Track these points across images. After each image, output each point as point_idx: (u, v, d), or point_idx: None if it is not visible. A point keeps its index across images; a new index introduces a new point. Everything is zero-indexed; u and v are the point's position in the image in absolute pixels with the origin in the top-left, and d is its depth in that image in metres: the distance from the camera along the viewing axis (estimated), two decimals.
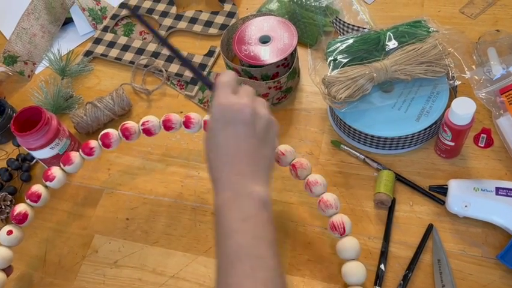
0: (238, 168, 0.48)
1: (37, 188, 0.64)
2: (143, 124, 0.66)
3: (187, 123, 0.66)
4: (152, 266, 0.65)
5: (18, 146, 0.79)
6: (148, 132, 0.66)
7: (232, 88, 0.51)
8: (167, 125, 0.66)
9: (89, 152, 0.66)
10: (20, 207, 0.63)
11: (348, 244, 0.56)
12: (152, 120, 0.66)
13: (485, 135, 0.67)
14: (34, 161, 0.78)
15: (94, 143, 0.66)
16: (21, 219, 0.62)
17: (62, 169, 0.65)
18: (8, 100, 0.85)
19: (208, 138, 0.50)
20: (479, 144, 0.67)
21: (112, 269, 0.66)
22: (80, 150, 0.66)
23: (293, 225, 0.65)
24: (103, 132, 0.67)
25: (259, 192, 0.48)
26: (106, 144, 0.66)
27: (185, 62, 0.54)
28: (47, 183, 0.64)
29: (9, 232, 0.62)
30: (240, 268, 0.43)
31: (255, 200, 0.47)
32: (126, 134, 0.66)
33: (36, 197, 0.63)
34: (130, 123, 0.67)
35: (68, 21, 0.96)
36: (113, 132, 0.66)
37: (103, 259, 0.67)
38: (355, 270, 0.55)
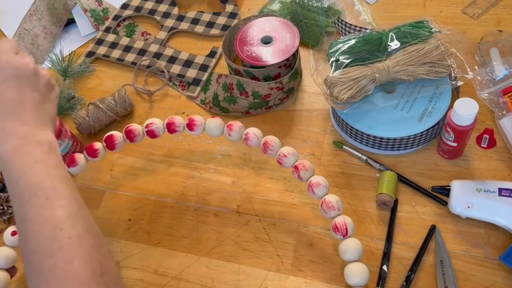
0: (23, 119, 0.51)
1: None
2: (147, 126, 0.66)
3: (190, 126, 0.66)
4: (154, 267, 0.65)
5: None
6: (152, 134, 0.66)
7: (14, 50, 0.54)
8: (171, 128, 0.66)
9: (94, 154, 0.66)
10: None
11: (351, 245, 0.56)
12: (156, 122, 0.66)
13: (487, 136, 0.67)
14: None
15: (98, 145, 0.66)
16: None
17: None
18: None
19: None
20: (482, 145, 0.67)
21: None
22: (85, 152, 0.67)
23: (295, 226, 0.65)
24: (107, 134, 0.67)
25: (46, 139, 0.51)
26: (110, 146, 0.66)
27: None
28: None
29: (13, 233, 0.62)
30: (35, 202, 0.46)
31: (44, 146, 0.50)
32: (130, 136, 0.66)
33: None
34: (134, 126, 0.67)
35: (70, 22, 0.96)
36: (117, 134, 0.67)
37: None
38: (358, 272, 0.55)
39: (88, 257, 0.45)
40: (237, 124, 0.65)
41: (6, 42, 0.54)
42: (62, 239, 0.45)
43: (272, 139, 0.63)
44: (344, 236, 0.57)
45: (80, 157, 0.66)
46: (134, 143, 0.67)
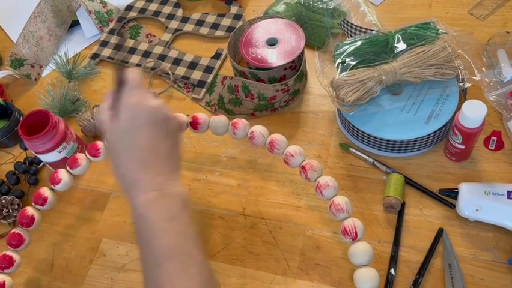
0: (157, 169, 0.48)
1: (43, 191, 0.64)
2: None
3: (194, 124, 0.65)
4: None
5: (26, 149, 0.79)
6: None
7: (142, 88, 0.51)
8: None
9: (96, 153, 0.65)
10: (27, 211, 0.63)
11: (361, 249, 0.55)
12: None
13: (495, 138, 0.66)
14: (41, 164, 0.78)
15: (100, 144, 0.66)
16: (28, 222, 0.62)
17: (69, 172, 0.65)
18: (15, 103, 0.85)
19: (117, 139, 0.49)
20: (490, 147, 0.66)
21: (119, 273, 0.66)
22: (86, 151, 0.66)
23: (302, 229, 0.65)
24: None
25: (180, 192, 0.48)
26: None
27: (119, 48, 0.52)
28: (54, 186, 0.64)
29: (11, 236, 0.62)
30: (170, 267, 0.43)
31: (178, 200, 0.47)
32: None
33: (43, 201, 0.63)
34: None
35: (75, 24, 0.96)
36: None
37: (110, 263, 0.67)
38: (369, 277, 0.54)
39: None
40: (242, 122, 0.64)
41: (134, 75, 0.51)
42: None
43: (278, 137, 0.62)
44: (353, 240, 0.56)
45: (82, 157, 0.65)
46: None
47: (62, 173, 0.64)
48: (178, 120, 0.54)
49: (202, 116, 0.65)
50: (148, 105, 0.49)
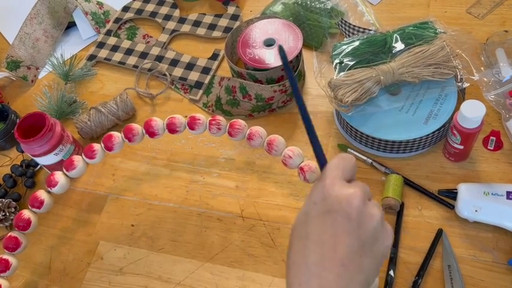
0: (326, 276, 0.38)
1: (40, 194, 0.63)
2: (146, 125, 0.65)
3: (191, 125, 0.64)
4: (158, 273, 0.65)
5: (22, 152, 0.78)
6: (151, 133, 0.65)
7: (344, 173, 0.41)
8: (171, 128, 0.64)
9: (92, 155, 0.65)
10: (23, 214, 0.62)
11: None
12: (156, 120, 0.65)
13: (494, 138, 0.66)
14: (38, 167, 0.78)
15: (96, 146, 0.65)
16: (25, 226, 0.62)
17: (65, 174, 0.64)
18: (11, 105, 0.84)
19: (299, 223, 0.41)
20: (489, 147, 0.66)
21: (117, 276, 0.65)
22: (83, 154, 0.65)
23: None
24: (105, 134, 0.66)
25: None
26: (109, 147, 0.65)
27: (312, 134, 0.45)
28: (50, 189, 0.63)
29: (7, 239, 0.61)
30: None
31: None
32: (129, 136, 0.64)
33: (39, 203, 0.62)
34: (133, 125, 0.65)
35: (71, 25, 0.96)
36: (116, 134, 0.65)
37: (108, 266, 0.66)
38: None
39: None
40: (239, 123, 0.63)
41: (341, 160, 0.42)
42: None
43: (277, 138, 0.61)
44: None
45: (78, 159, 0.65)
46: (133, 143, 0.65)
47: (59, 176, 0.64)
48: (381, 222, 0.40)
49: (201, 116, 0.65)
50: (341, 192, 0.39)
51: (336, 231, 0.38)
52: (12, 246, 0.61)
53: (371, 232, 0.39)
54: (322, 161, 0.44)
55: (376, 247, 0.40)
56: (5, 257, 0.61)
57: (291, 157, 0.60)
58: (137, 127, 0.64)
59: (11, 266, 0.61)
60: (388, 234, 0.41)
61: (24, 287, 0.67)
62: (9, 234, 0.62)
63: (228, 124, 0.63)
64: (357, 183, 0.41)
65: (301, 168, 0.59)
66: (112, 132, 0.65)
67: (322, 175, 0.42)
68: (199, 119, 0.64)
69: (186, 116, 0.64)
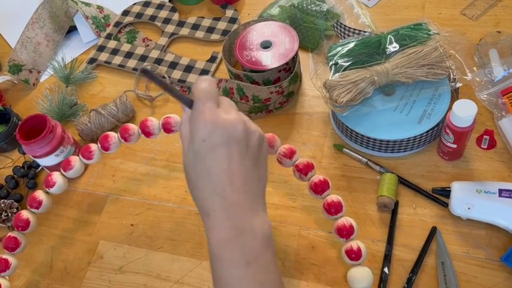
0: (234, 198, 0.42)
1: (38, 194, 0.64)
2: (141, 124, 0.65)
3: None
4: (157, 272, 0.66)
5: (24, 153, 0.80)
6: (147, 133, 0.65)
7: (214, 99, 0.44)
8: (166, 127, 0.65)
9: (89, 155, 0.65)
10: (22, 215, 0.63)
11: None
12: (152, 120, 0.65)
13: (487, 137, 0.67)
14: (40, 168, 0.79)
15: (93, 146, 0.66)
16: (24, 226, 0.63)
17: (63, 174, 0.65)
18: (13, 108, 0.86)
19: (192, 163, 0.43)
20: (482, 146, 0.67)
21: (117, 275, 0.66)
22: (80, 154, 0.66)
23: (296, 229, 0.65)
24: (102, 135, 0.66)
25: (261, 226, 0.42)
26: (105, 147, 0.65)
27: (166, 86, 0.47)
28: (48, 189, 0.64)
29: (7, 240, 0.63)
30: None
31: (258, 237, 0.41)
32: (125, 136, 0.65)
33: (38, 204, 0.63)
34: (129, 125, 0.66)
35: (72, 29, 0.97)
36: (112, 134, 0.66)
37: (108, 265, 0.67)
38: (362, 276, 0.54)
39: None
40: None
41: (204, 84, 0.44)
42: None
43: (271, 136, 0.62)
44: (347, 239, 0.56)
45: (75, 160, 0.66)
46: (129, 143, 0.66)
47: (56, 176, 0.65)
48: (261, 134, 0.45)
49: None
50: (224, 121, 0.42)
51: (232, 158, 0.42)
52: (12, 246, 0.62)
53: (257, 146, 0.44)
54: (186, 100, 0.46)
55: (263, 154, 0.46)
56: (4, 256, 0.62)
57: (286, 155, 0.60)
58: (133, 127, 0.65)
59: (11, 266, 0.61)
60: (264, 136, 0.47)
61: (26, 286, 0.68)
62: (8, 234, 0.63)
63: None
64: (226, 102, 0.45)
65: (297, 166, 0.60)
66: (109, 133, 0.66)
67: (195, 110, 0.44)
68: None
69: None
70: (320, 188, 0.58)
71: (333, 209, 0.57)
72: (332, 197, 0.58)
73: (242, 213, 0.42)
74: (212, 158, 0.42)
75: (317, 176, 0.59)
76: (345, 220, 0.57)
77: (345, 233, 0.56)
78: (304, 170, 0.59)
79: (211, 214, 0.42)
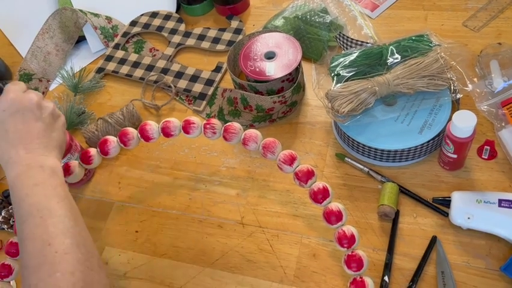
0: (29, 147, 0.55)
1: None
2: (141, 129, 0.66)
3: (186, 128, 0.64)
4: (160, 278, 0.67)
5: None
6: (146, 138, 0.66)
7: (20, 88, 0.59)
8: (166, 132, 0.65)
9: (88, 160, 0.67)
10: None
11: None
12: (151, 124, 0.66)
13: (488, 147, 0.67)
14: None
15: (92, 151, 0.67)
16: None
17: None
18: None
19: None
20: (483, 156, 0.67)
21: (121, 281, 0.67)
22: (79, 159, 0.67)
23: (298, 237, 0.66)
24: (101, 139, 0.67)
25: (50, 165, 0.55)
26: (105, 151, 0.66)
27: None
28: None
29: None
30: (31, 221, 0.50)
31: (45, 170, 0.54)
32: (124, 140, 0.66)
33: None
34: (129, 129, 0.66)
35: (81, 39, 0.99)
36: (111, 139, 0.67)
37: (112, 271, 0.69)
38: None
39: (71, 269, 0.47)
40: (234, 127, 0.63)
41: (15, 84, 0.60)
42: (49, 254, 0.48)
43: (272, 141, 0.62)
44: (348, 248, 0.57)
45: (74, 165, 0.67)
46: (128, 147, 0.67)
47: None
48: (55, 110, 0.62)
49: (196, 119, 0.65)
50: (21, 97, 0.58)
51: (25, 120, 0.57)
52: (14, 251, 0.63)
53: (51, 116, 0.60)
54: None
55: (57, 124, 0.61)
56: (7, 262, 0.63)
57: (286, 161, 0.61)
58: (132, 131, 0.66)
59: (13, 271, 0.63)
60: (60, 114, 0.63)
61: None
62: (10, 240, 0.64)
63: (223, 128, 0.65)
64: (32, 91, 0.60)
65: (296, 174, 0.61)
66: (108, 137, 0.67)
67: (4, 93, 0.58)
68: (193, 123, 0.65)
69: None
70: (320, 196, 0.59)
71: (333, 218, 0.58)
72: (332, 205, 0.59)
73: (33, 157, 0.55)
74: (10, 122, 0.56)
75: (317, 184, 0.60)
76: (346, 229, 0.57)
77: (346, 242, 0.57)
78: (304, 178, 0.60)
79: (8, 161, 0.54)
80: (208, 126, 0.64)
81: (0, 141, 0.56)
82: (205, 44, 0.92)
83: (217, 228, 0.70)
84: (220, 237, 0.69)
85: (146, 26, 0.98)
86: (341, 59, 0.71)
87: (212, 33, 0.93)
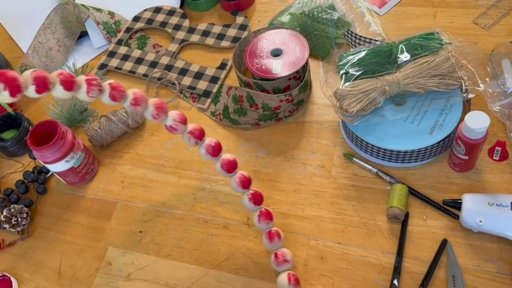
0: None
1: None
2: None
3: (66, 83, 0.54)
4: (165, 279, 0.66)
5: (34, 159, 0.80)
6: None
7: None
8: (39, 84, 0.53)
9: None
10: None
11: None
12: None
13: (500, 149, 0.66)
14: (50, 173, 0.80)
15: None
16: None
17: None
18: (24, 113, 0.86)
19: None
20: (494, 158, 0.66)
21: (125, 282, 0.66)
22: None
23: (305, 239, 0.65)
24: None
25: None
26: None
27: None
28: None
29: None
30: None
31: None
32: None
33: None
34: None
35: (83, 34, 0.98)
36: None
37: (116, 272, 0.68)
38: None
39: None
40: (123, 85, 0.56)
41: None
42: None
43: (161, 102, 0.57)
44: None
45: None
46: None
47: None
48: None
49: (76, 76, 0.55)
50: None
51: None
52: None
53: None
54: None
55: None
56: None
57: (182, 121, 0.59)
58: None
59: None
60: None
61: None
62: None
63: (109, 86, 0.56)
64: None
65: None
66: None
67: None
68: (74, 77, 0.55)
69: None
70: (213, 150, 0.60)
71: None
72: (228, 156, 0.61)
73: None
74: None
75: (210, 141, 0.60)
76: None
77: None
78: (196, 134, 0.59)
79: None
80: (94, 82, 0.54)
81: None
82: (210, 41, 0.90)
83: (222, 229, 0.68)
84: (226, 238, 0.67)
85: (150, 21, 0.96)
86: (350, 57, 0.70)
87: (217, 29, 0.91)
